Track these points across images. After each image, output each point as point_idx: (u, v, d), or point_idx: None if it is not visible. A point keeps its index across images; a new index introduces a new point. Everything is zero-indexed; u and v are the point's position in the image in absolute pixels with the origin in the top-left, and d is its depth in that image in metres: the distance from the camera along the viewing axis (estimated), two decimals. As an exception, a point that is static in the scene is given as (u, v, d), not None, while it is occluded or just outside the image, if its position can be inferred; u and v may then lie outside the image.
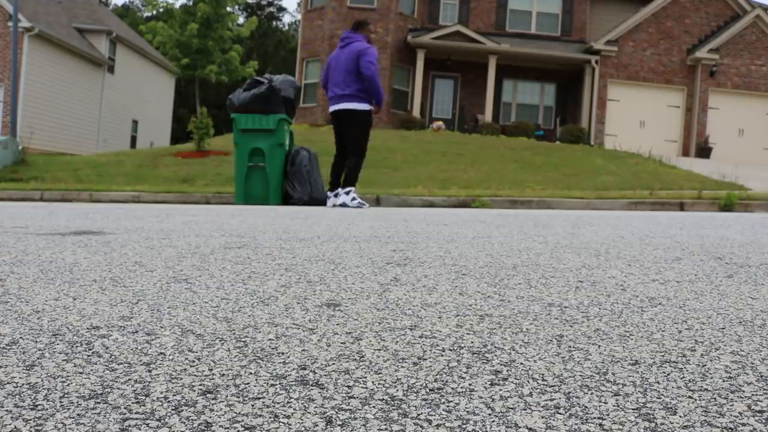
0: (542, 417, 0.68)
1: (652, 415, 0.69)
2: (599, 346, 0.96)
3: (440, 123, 20.43)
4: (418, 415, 0.68)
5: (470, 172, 12.69)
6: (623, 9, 23.79)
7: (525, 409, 0.70)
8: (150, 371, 0.81)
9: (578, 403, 0.72)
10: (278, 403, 0.71)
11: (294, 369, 0.83)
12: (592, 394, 0.75)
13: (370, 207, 6.27)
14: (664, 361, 0.89)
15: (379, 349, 0.92)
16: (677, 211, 8.14)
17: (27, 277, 1.41)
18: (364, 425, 0.66)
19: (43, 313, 1.09)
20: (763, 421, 0.68)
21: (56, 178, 12.39)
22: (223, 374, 0.80)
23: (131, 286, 1.34)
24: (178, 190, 9.50)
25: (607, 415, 0.69)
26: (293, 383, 0.77)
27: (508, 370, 0.83)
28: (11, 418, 0.66)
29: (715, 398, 0.75)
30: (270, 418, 0.67)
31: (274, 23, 50.29)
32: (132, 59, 29.77)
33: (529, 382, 0.79)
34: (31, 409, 0.68)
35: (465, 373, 0.82)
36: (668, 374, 0.83)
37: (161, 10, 25.93)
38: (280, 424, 0.66)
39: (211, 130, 14.84)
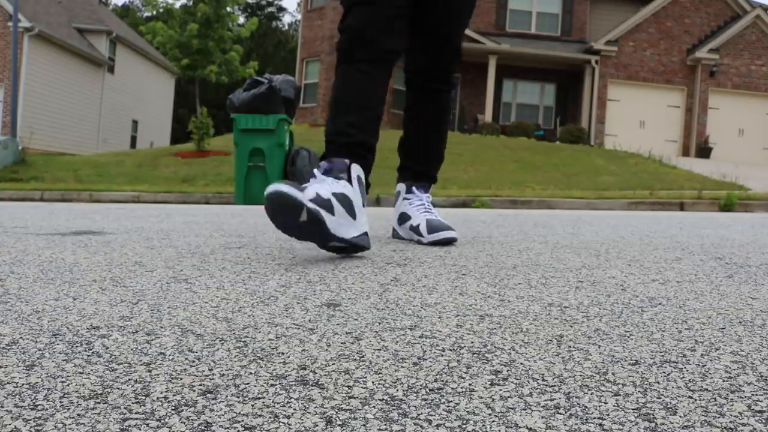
0: (542, 417, 0.68)
1: (652, 415, 0.69)
2: (599, 346, 0.96)
3: (440, 123, 20.41)
4: (418, 415, 0.68)
5: (470, 172, 12.69)
6: (623, 9, 23.79)
7: (525, 409, 0.70)
8: (150, 371, 0.81)
9: (578, 403, 0.72)
10: (278, 403, 0.71)
11: (294, 369, 0.83)
12: (592, 394, 0.75)
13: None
14: (664, 361, 0.89)
15: (379, 349, 0.92)
16: (677, 211, 8.15)
17: (27, 277, 1.41)
18: (364, 425, 0.66)
19: (43, 313, 1.09)
20: (763, 421, 0.68)
21: (56, 178, 12.40)
22: (223, 374, 0.80)
23: (131, 286, 1.34)
24: (179, 190, 9.51)
25: (607, 415, 0.69)
26: (293, 383, 0.77)
27: (508, 370, 0.83)
28: (11, 418, 0.66)
29: (715, 398, 0.75)
30: (270, 418, 0.67)
31: (274, 23, 50.30)
32: (132, 59, 29.77)
33: (529, 382, 0.79)
34: (31, 409, 0.68)
35: (465, 373, 0.82)
36: (668, 374, 0.83)
37: (161, 10, 25.91)
38: (280, 424, 0.66)
39: (211, 130, 14.86)
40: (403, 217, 2.32)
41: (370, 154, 1.95)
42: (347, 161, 1.85)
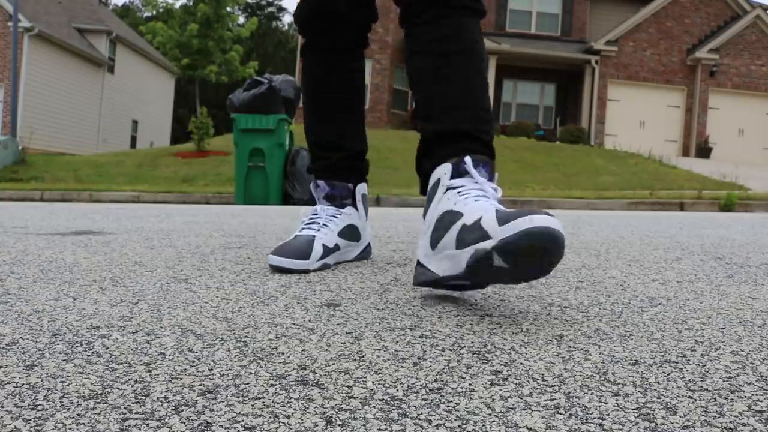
0: (542, 417, 0.68)
1: (652, 415, 0.69)
2: (599, 346, 0.96)
3: (440, 123, 20.41)
4: (418, 415, 0.68)
5: (470, 172, 12.67)
6: (623, 9, 23.79)
7: (525, 409, 0.70)
8: (150, 371, 0.81)
9: (578, 403, 0.72)
10: (278, 403, 0.71)
11: (294, 369, 0.83)
12: (592, 394, 0.75)
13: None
14: (664, 361, 0.89)
15: (379, 349, 0.92)
16: (677, 211, 8.15)
17: (27, 277, 1.41)
18: (364, 425, 0.66)
19: (43, 313, 1.09)
20: (763, 421, 0.68)
21: (56, 178, 12.40)
22: (223, 374, 0.80)
23: (131, 286, 1.34)
24: (178, 190, 9.51)
25: (607, 415, 0.69)
26: (293, 383, 0.77)
27: (508, 370, 0.83)
28: (11, 418, 0.66)
29: (715, 398, 0.75)
30: (270, 418, 0.67)
31: (274, 23, 50.31)
32: (132, 59, 29.77)
33: (529, 382, 0.79)
34: (31, 409, 0.68)
35: (465, 373, 0.82)
36: (668, 374, 0.83)
37: (161, 10, 25.91)
38: (280, 424, 0.66)
39: (211, 130, 14.86)
40: (446, 222, 1.18)
41: (365, 158, 1.76)
42: (350, 186, 1.69)
